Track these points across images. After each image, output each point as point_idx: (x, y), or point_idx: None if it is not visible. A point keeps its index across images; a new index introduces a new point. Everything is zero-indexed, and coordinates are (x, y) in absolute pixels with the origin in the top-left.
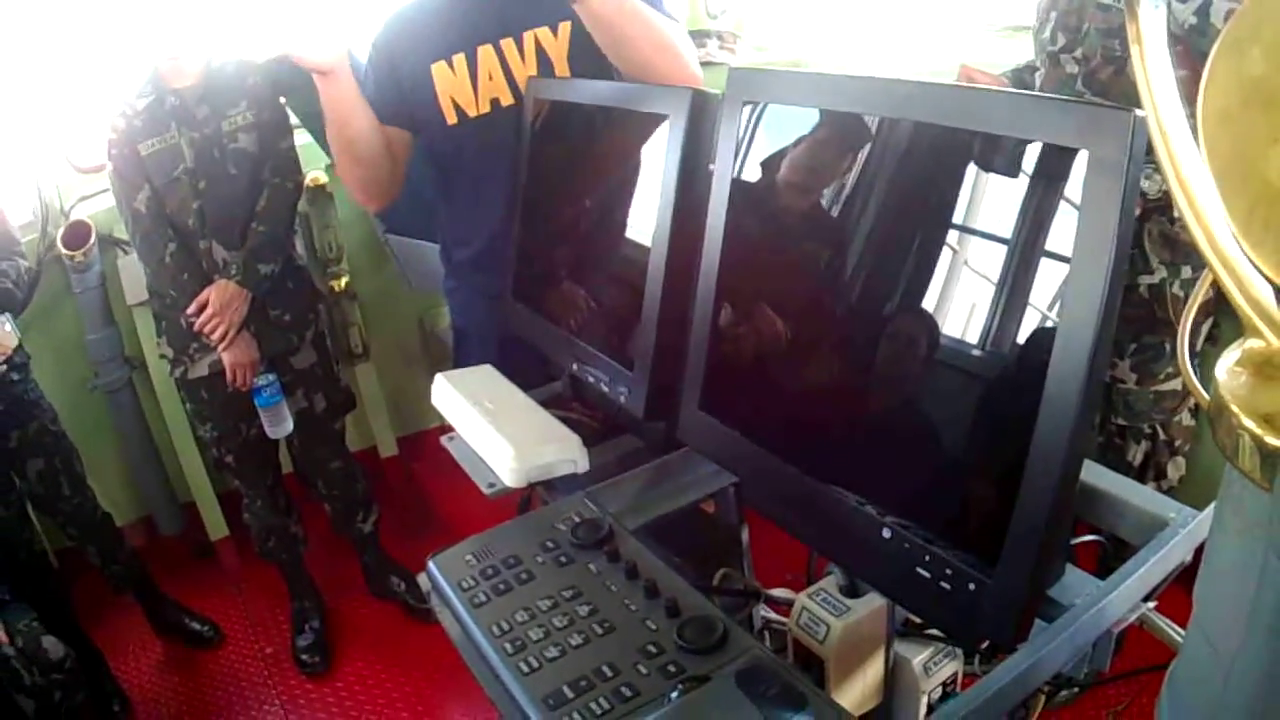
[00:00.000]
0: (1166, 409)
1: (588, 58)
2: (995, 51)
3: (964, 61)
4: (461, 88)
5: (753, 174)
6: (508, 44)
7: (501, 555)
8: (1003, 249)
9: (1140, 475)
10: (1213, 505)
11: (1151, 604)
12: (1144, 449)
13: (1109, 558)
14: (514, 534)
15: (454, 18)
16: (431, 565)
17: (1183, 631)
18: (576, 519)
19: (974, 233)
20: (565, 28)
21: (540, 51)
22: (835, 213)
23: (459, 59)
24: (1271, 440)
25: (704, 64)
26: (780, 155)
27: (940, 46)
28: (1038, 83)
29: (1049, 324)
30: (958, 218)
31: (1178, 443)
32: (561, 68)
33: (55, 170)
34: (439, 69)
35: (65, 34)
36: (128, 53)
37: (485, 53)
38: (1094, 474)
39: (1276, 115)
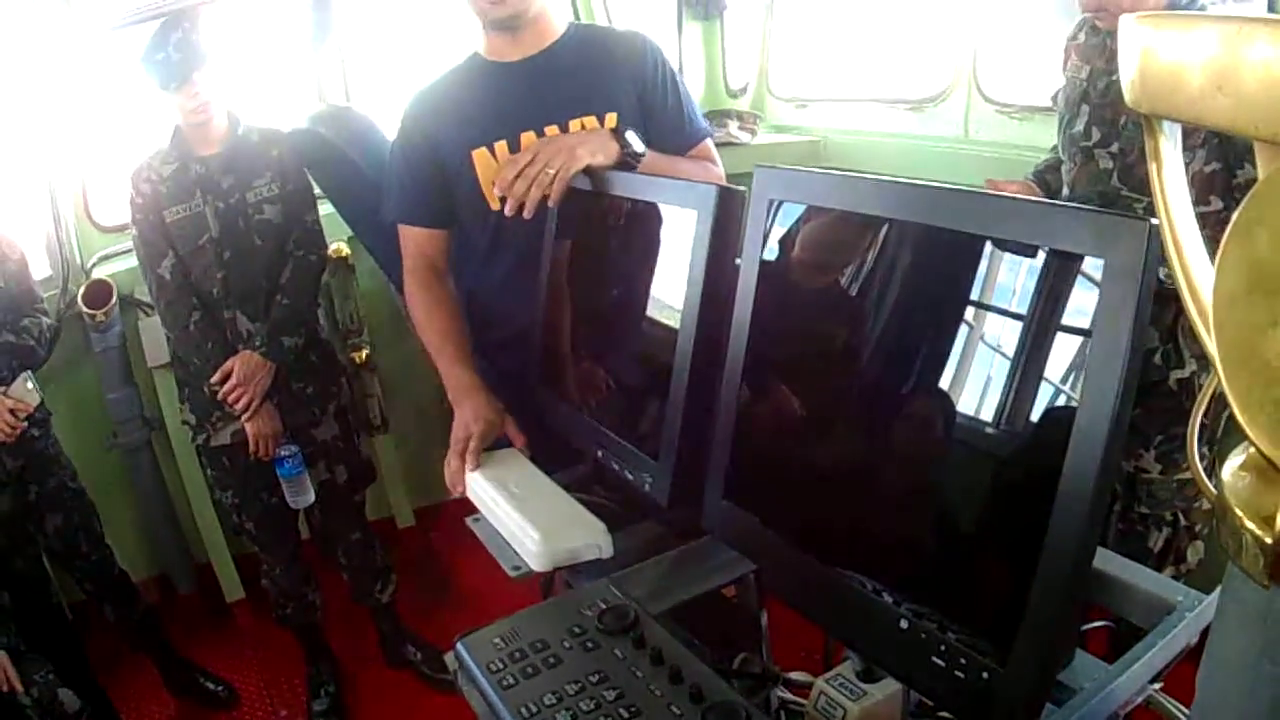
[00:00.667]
0: (1189, 496)
1: None
2: (1005, 129)
3: (989, 177)
4: None
5: (777, 263)
6: (552, 130)
7: (529, 639)
8: (1018, 325)
9: (1160, 559)
10: (1218, 591)
11: (1158, 685)
12: (1165, 535)
13: (1117, 640)
14: (541, 618)
15: (495, 102)
16: (460, 646)
17: (1186, 711)
18: (603, 605)
19: (990, 309)
20: (611, 119)
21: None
22: (855, 299)
23: (500, 145)
24: (1270, 541)
25: (724, 144)
26: (804, 243)
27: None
28: (1066, 179)
29: (1065, 415)
30: (974, 294)
31: (1198, 527)
32: None
33: (76, 226)
34: (480, 155)
35: (88, 89)
36: (150, 109)
37: (528, 139)
38: (1102, 559)
39: (1278, 299)
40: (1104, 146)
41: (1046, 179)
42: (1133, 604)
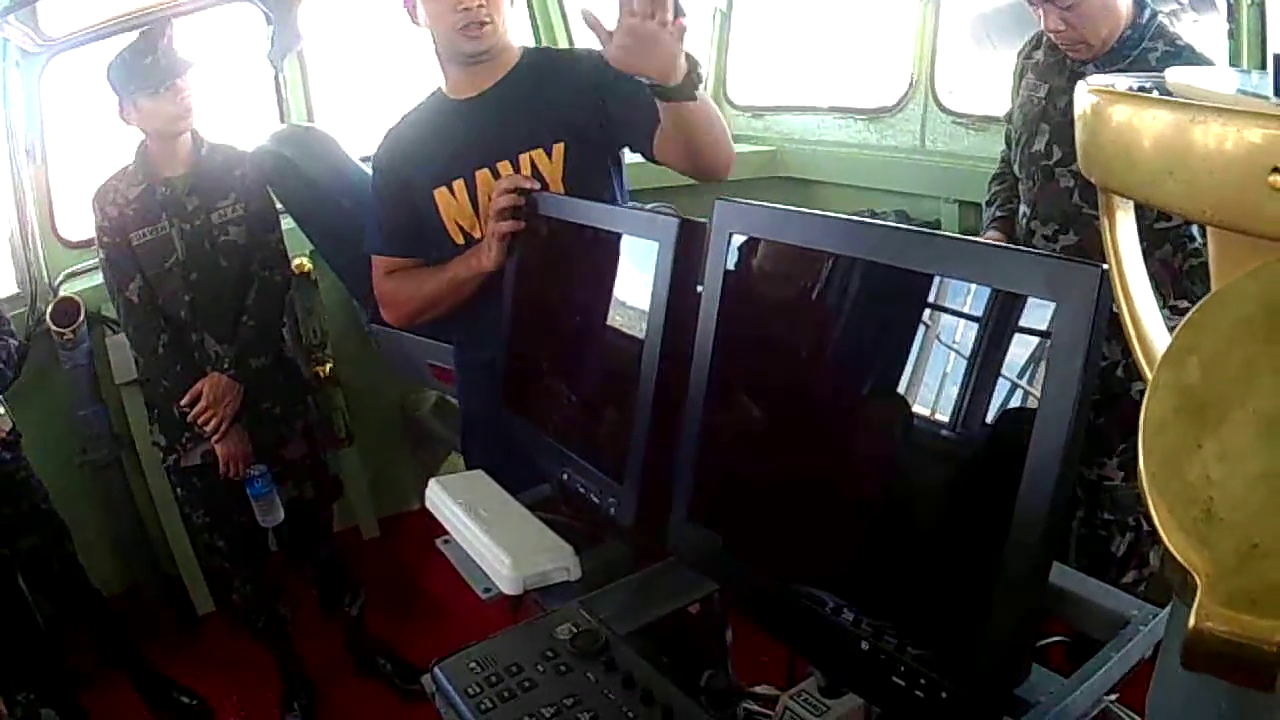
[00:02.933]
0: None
1: (581, 177)
2: (961, 139)
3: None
4: (463, 211)
5: (738, 291)
6: (504, 167)
7: (504, 663)
8: (970, 364)
9: (1124, 564)
10: (1170, 606)
11: (1114, 696)
12: (1128, 540)
13: (1075, 653)
14: (515, 642)
15: (451, 141)
16: (437, 671)
17: None
18: (574, 629)
19: (941, 344)
20: (559, 149)
21: (536, 173)
22: (813, 329)
23: (458, 184)
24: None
25: None
26: (764, 275)
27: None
28: (1026, 197)
29: (1019, 450)
30: (925, 329)
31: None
32: (556, 188)
33: (43, 243)
34: (441, 195)
35: (53, 105)
36: (115, 126)
37: (483, 176)
38: (1059, 573)
39: (1202, 423)
40: (1065, 165)
41: (1008, 196)
42: (1089, 618)
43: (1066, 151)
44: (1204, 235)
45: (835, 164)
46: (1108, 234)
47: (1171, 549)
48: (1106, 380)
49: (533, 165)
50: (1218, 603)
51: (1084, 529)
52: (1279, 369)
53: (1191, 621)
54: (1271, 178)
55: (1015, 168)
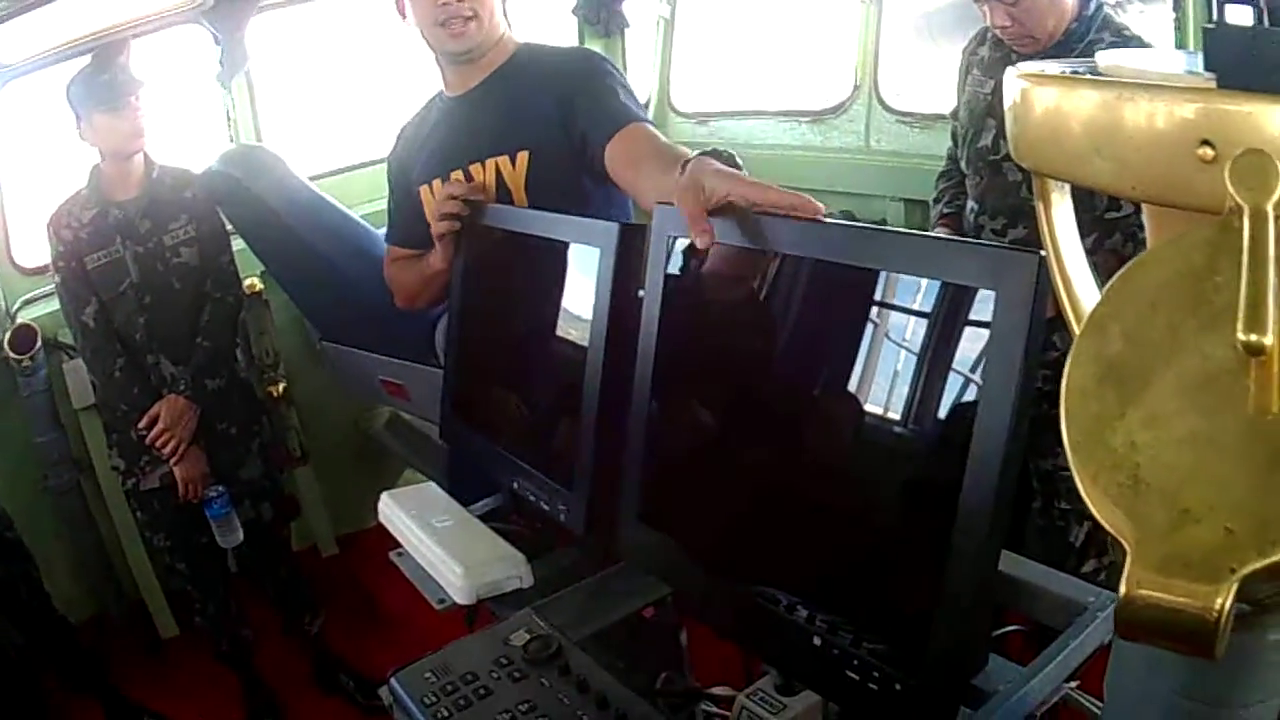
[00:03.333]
0: None
1: (543, 188)
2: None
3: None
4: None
5: (681, 293)
6: (475, 169)
7: (460, 672)
8: (913, 358)
9: (1083, 553)
10: None
11: (1074, 683)
12: (1086, 529)
13: (1033, 642)
14: (470, 651)
15: (437, 140)
16: (394, 682)
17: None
18: (527, 635)
19: (888, 340)
20: (523, 158)
21: (500, 179)
22: (757, 328)
23: (437, 184)
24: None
25: None
26: (706, 276)
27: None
28: (973, 193)
29: (963, 440)
30: (872, 325)
31: None
32: (519, 196)
33: None
34: (424, 192)
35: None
36: (68, 149)
37: (455, 178)
38: (1014, 563)
39: (1126, 391)
40: (1012, 160)
41: (955, 194)
42: (1047, 607)
43: None
44: None
45: (780, 167)
46: (1043, 219)
47: (1099, 517)
48: (1058, 371)
49: (498, 171)
50: (1149, 570)
51: (1042, 520)
52: (1202, 333)
53: (1123, 589)
54: (1200, 150)
55: (962, 164)
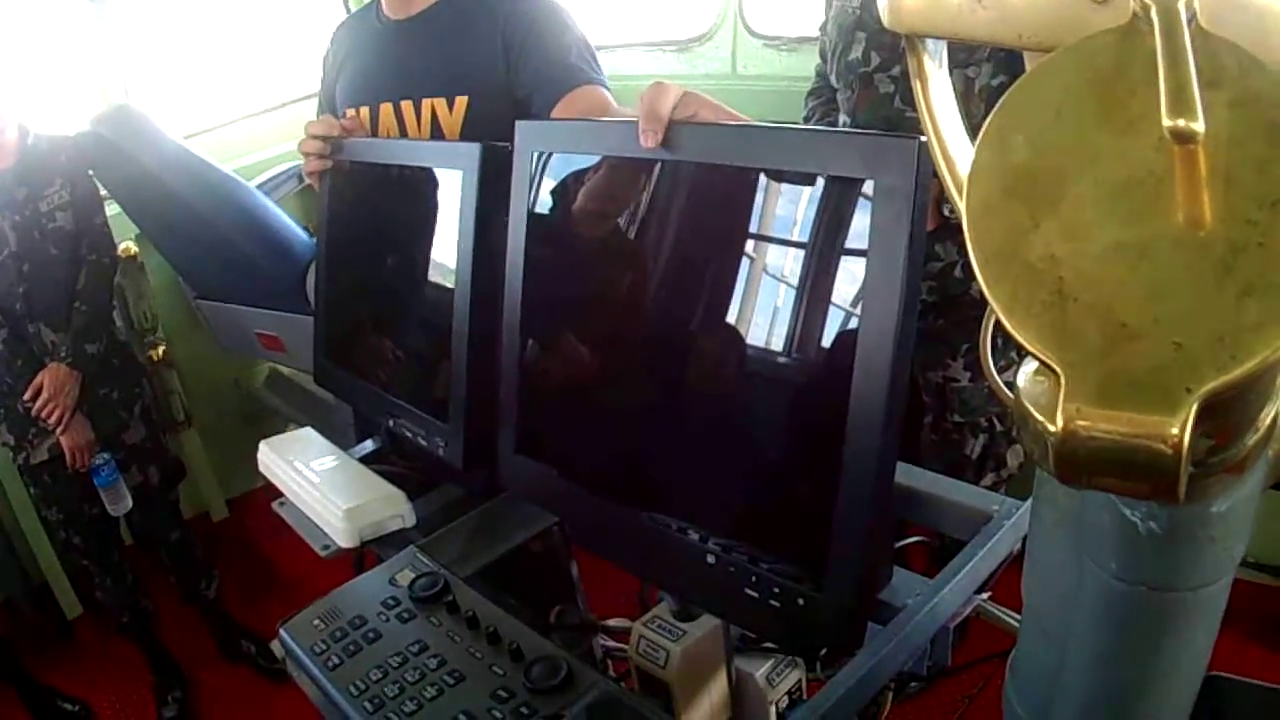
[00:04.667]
0: (1001, 402)
1: (479, 134)
2: (773, 62)
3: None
4: None
5: (550, 215)
6: (407, 106)
7: (348, 617)
8: (801, 253)
9: (980, 466)
10: (1032, 497)
11: (986, 594)
12: (982, 441)
13: (940, 555)
14: (356, 594)
15: (370, 64)
16: (283, 633)
17: (1018, 617)
18: (413, 574)
19: (771, 240)
20: (461, 104)
21: (435, 121)
22: (631, 242)
23: (364, 111)
24: (1054, 435)
25: None
26: (574, 192)
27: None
28: (845, 107)
29: (852, 337)
30: (753, 227)
31: (1014, 431)
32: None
33: None
34: (349, 115)
35: None
36: None
37: (385, 110)
38: (913, 475)
39: (1038, 202)
40: (884, 71)
41: (829, 111)
42: (949, 517)
43: (886, 58)
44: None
45: None
46: (921, 98)
47: (1022, 340)
48: (944, 282)
49: (433, 113)
50: (1089, 398)
51: (935, 434)
52: (1118, 136)
53: (1059, 422)
54: None
55: (832, 79)
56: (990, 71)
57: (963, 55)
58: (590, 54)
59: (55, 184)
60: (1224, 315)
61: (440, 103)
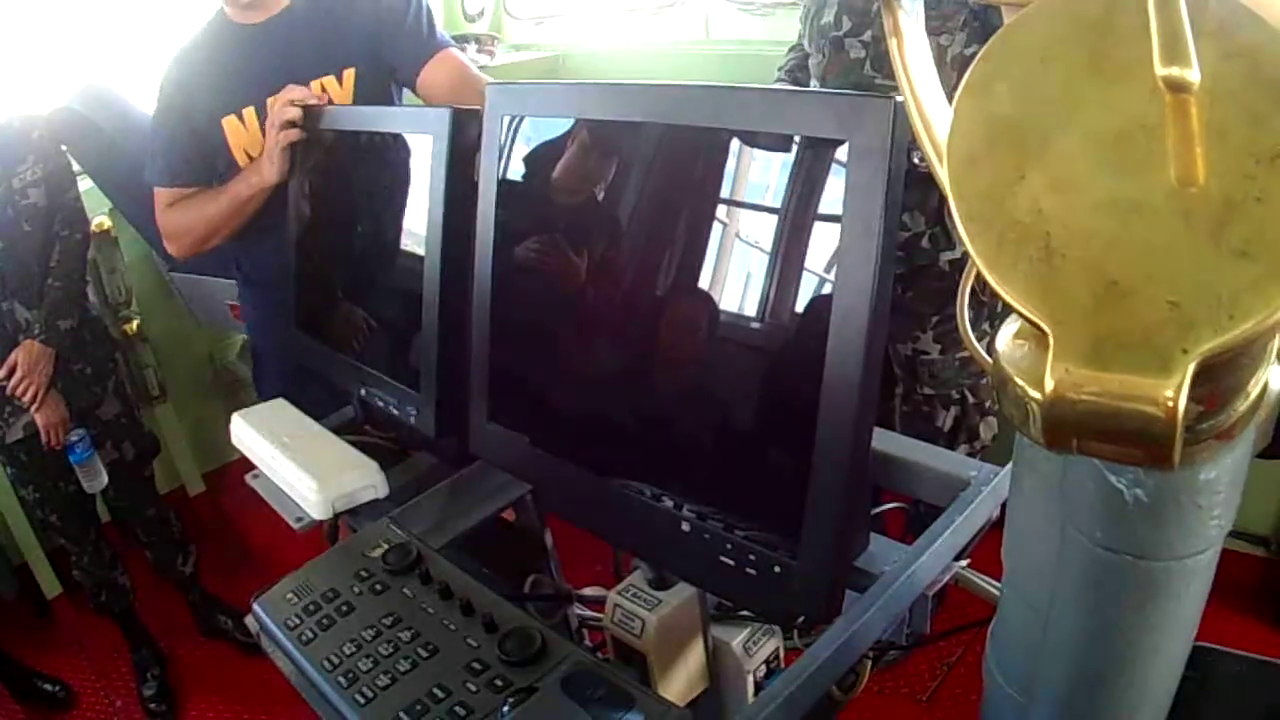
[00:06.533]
0: (973, 373)
1: (372, 103)
2: (746, 26)
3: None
4: (254, 139)
5: (521, 180)
6: None
7: (320, 590)
8: (773, 219)
9: (952, 439)
10: (1012, 463)
11: (964, 562)
12: (954, 414)
13: (917, 523)
14: (328, 567)
15: (242, 69)
16: (256, 607)
17: (998, 585)
18: (385, 545)
19: (743, 205)
20: (349, 75)
21: (328, 99)
22: (604, 207)
23: (249, 112)
24: (1040, 401)
25: None
26: (545, 157)
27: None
28: (816, 71)
29: (827, 302)
30: (725, 192)
31: (987, 404)
32: None
33: None
34: (230, 123)
35: None
36: None
37: (275, 104)
38: (890, 442)
39: (1024, 152)
40: (855, 35)
41: (798, 77)
42: (926, 484)
43: (857, 22)
44: None
45: (619, 63)
46: (897, 56)
47: (1008, 298)
48: (913, 253)
49: (324, 90)
50: (1079, 359)
51: (906, 406)
52: (1108, 87)
53: (1049, 386)
54: None
55: (805, 42)
56: (964, 40)
57: (936, 23)
58: (434, 18)
59: (28, 160)
60: (1221, 273)
61: (329, 80)
